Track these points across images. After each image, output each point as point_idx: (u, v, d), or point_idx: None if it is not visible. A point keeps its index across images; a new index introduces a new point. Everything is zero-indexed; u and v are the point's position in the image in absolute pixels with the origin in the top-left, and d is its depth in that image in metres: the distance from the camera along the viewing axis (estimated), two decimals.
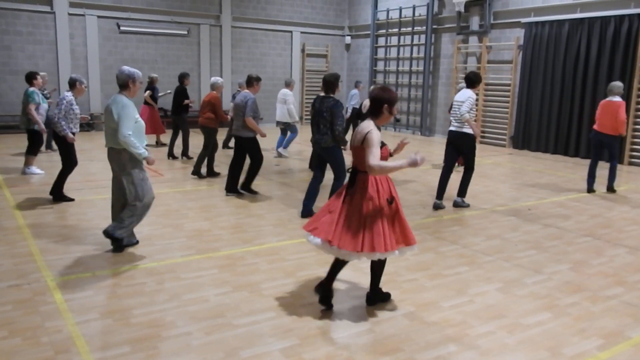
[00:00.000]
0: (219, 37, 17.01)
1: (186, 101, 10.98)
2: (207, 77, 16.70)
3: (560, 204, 7.84)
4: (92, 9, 14.88)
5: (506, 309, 4.20)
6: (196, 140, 12.19)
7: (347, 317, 3.99)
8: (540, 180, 9.72)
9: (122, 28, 15.35)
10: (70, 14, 14.60)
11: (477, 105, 7.23)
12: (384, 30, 17.77)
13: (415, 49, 16.77)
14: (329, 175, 6.91)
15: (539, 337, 3.75)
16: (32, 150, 8.92)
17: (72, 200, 7.25)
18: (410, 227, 4.01)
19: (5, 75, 14.05)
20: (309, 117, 12.20)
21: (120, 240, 5.22)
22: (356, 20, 19.20)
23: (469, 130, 7.12)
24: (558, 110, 12.89)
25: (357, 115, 10.10)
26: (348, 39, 19.47)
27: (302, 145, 12.37)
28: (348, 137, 6.76)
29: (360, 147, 3.88)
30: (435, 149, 13.63)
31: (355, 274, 4.84)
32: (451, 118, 7.37)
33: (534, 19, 13.22)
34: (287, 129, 11.51)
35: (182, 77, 11.28)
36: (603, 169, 9.12)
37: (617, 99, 8.28)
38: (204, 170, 9.24)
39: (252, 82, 7.80)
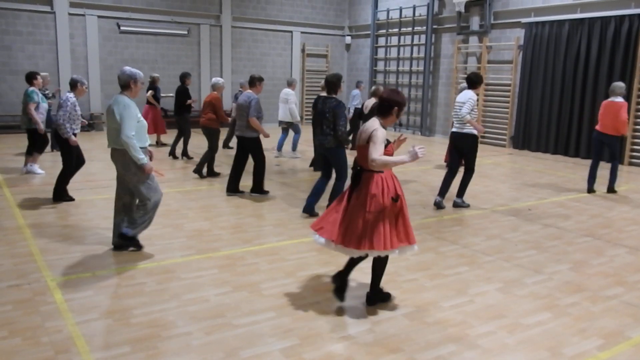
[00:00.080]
0: (219, 37, 17.01)
1: (189, 101, 11.00)
2: (207, 77, 16.70)
3: (561, 204, 7.84)
4: (92, 9, 14.88)
5: (506, 309, 4.20)
6: (196, 141, 12.21)
7: (347, 317, 3.99)
8: (541, 180, 9.72)
9: (122, 28, 15.35)
10: (70, 14, 14.60)
11: (477, 105, 7.22)
12: (384, 30, 17.77)
13: (415, 49, 16.77)
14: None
15: (539, 337, 3.75)
16: (33, 149, 8.93)
17: (73, 200, 7.26)
18: (411, 227, 4.03)
19: (6, 75, 14.05)
20: (309, 116, 12.26)
21: (133, 239, 5.28)
22: (356, 20, 19.20)
23: (470, 131, 7.14)
24: (558, 111, 12.89)
25: (359, 116, 10.08)
26: (348, 39, 19.47)
27: (303, 145, 12.37)
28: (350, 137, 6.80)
29: (366, 146, 3.92)
30: (436, 149, 13.63)
31: (356, 274, 4.84)
32: (453, 119, 7.38)
33: (534, 19, 13.22)
34: (290, 129, 11.52)
35: (184, 77, 11.28)
36: (604, 169, 9.11)
37: (619, 99, 8.27)
38: (205, 170, 9.25)
39: (254, 82, 7.81)
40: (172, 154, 11.10)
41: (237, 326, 3.80)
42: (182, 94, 11.15)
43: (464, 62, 15.32)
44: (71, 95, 7.03)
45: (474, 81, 7.18)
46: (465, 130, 7.17)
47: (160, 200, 5.28)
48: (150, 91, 12.09)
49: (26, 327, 3.69)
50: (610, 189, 8.64)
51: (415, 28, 16.59)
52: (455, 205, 7.46)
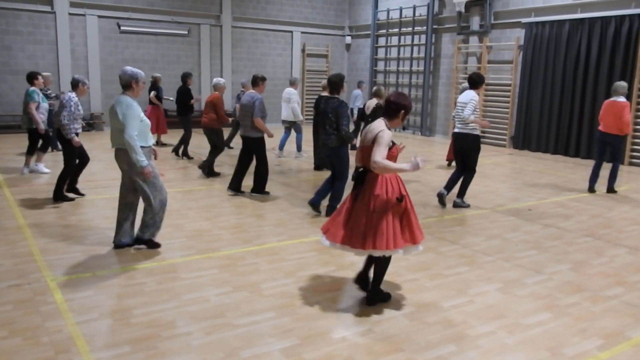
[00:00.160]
0: (219, 37, 17.01)
1: (193, 100, 11.04)
2: (207, 77, 16.71)
3: (561, 204, 7.84)
4: (93, 8, 14.88)
5: (506, 309, 4.20)
6: (197, 141, 12.21)
7: (347, 317, 3.99)
8: (541, 180, 9.72)
9: (122, 28, 15.35)
10: (70, 14, 14.60)
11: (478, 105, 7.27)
12: (384, 30, 17.77)
13: (415, 49, 16.77)
14: None
15: (539, 337, 3.75)
16: (34, 149, 8.93)
17: (72, 200, 7.27)
18: (419, 226, 4.06)
19: (6, 75, 14.05)
20: (310, 116, 12.25)
21: (150, 241, 5.32)
22: (356, 20, 19.20)
23: (472, 131, 7.14)
24: (558, 111, 12.88)
25: (361, 116, 10.06)
26: (348, 39, 19.47)
27: (304, 145, 12.34)
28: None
29: (371, 147, 3.96)
30: (436, 149, 13.63)
31: (355, 274, 4.84)
32: (455, 120, 7.38)
33: (535, 19, 13.21)
34: (292, 128, 11.52)
35: (185, 77, 11.28)
36: (605, 169, 9.10)
37: (622, 99, 8.24)
38: (219, 169, 9.28)
39: (257, 81, 7.81)
40: (177, 152, 11.13)
41: (237, 326, 3.80)
42: (184, 94, 11.15)
43: (464, 62, 15.32)
44: (73, 94, 7.07)
45: (475, 81, 7.19)
46: (467, 131, 7.17)
47: (166, 199, 5.30)
48: (153, 92, 12.07)
49: (26, 327, 3.69)
50: (610, 189, 8.63)
51: (416, 28, 16.59)
52: (456, 205, 7.46)
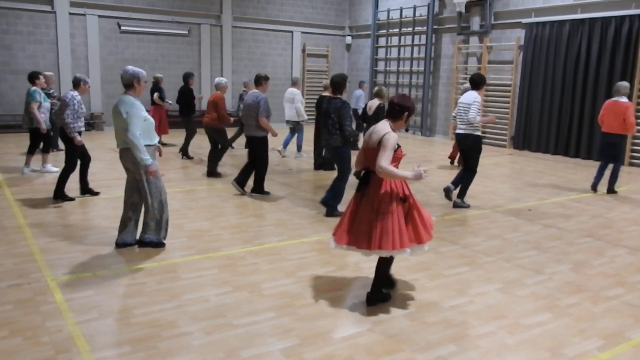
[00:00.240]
0: (219, 37, 17.01)
1: (196, 99, 11.10)
2: (207, 77, 16.71)
3: (561, 205, 7.83)
4: (93, 8, 14.88)
5: (507, 310, 4.20)
6: (197, 141, 12.20)
7: (347, 317, 3.99)
8: (541, 180, 9.72)
9: (122, 28, 15.35)
10: (71, 14, 14.60)
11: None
12: (384, 31, 17.77)
13: (415, 49, 16.76)
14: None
15: (539, 338, 3.75)
16: (35, 149, 8.93)
17: (73, 199, 7.27)
18: (425, 225, 4.08)
19: (6, 74, 14.05)
20: (310, 116, 12.24)
21: (155, 242, 5.32)
22: (357, 20, 19.20)
23: (473, 132, 7.15)
24: (558, 111, 12.88)
25: (363, 117, 10.05)
26: (349, 39, 19.47)
27: (304, 145, 12.34)
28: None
29: (375, 149, 3.97)
30: (436, 149, 13.64)
31: (355, 274, 4.85)
32: (457, 121, 7.37)
33: (535, 19, 13.21)
34: (295, 128, 11.53)
35: (187, 77, 11.27)
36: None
37: (624, 99, 8.20)
38: (220, 169, 9.30)
39: (261, 81, 7.82)
40: (185, 153, 11.09)
41: (237, 326, 3.80)
42: (186, 94, 11.14)
43: (465, 63, 15.31)
44: (75, 93, 7.09)
45: (477, 82, 7.19)
46: (468, 131, 7.18)
47: (166, 200, 5.32)
48: (156, 93, 12.03)
49: (26, 327, 3.69)
50: (610, 190, 8.62)
51: (416, 28, 16.59)
52: (456, 205, 7.46)
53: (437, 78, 16.29)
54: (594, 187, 8.64)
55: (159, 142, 12.54)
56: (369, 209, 3.98)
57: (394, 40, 17.55)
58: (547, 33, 12.94)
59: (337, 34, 19.41)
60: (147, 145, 5.03)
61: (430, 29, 15.91)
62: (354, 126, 6.73)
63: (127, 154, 5.10)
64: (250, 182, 7.96)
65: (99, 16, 14.98)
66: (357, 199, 4.13)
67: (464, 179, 7.41)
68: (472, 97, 7.09)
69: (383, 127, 4.05)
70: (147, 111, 5.33)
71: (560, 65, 12.72)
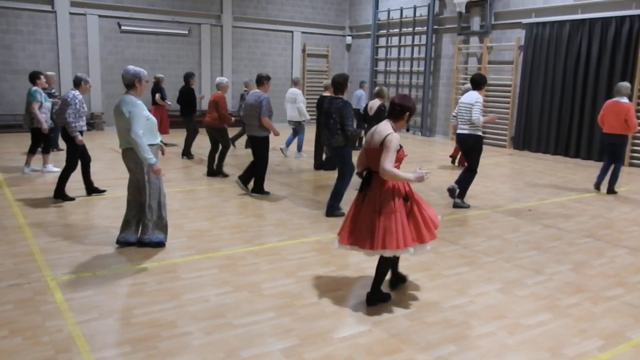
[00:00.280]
0: (219, 37, 17.01)
1: (198, 99, 11.13)
2: (208, 77, 16.71)
3: (561, 205, 7.83)
4: (93, 8, 14.88)
5: (507, 310, 4.20)
6: (198, 141, 12.19)
7: (347, 317, 3.99)
8: (541, 180, 9.72)
9: (123, 27, 15.35)
10: (71, 13, 14.60)
11: None
12: (384, 31, 17.77)
13: (416, 49, 16.76)
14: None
15: (539, 338, 3.75)
16: (36, 149, 8.94)
17: (73, 199, 7.26)
18: (428, 225, 4.08)
19: (6, 74, 14.05)
20: (311, 116, 12.25)
21: (155, 243, 5.33)
22: (357, 20, 19.20)
23: (474, 132, 7.15)
24: (559, 111, 12.88)
25: (364, 117, 10.04)
26: (349, 39, 19.47)
27: (304, 145, 12.34)
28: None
29: (378, 150, 3.97)
30: (436, 149, 13.64)
31: (356, 274, 4.85)
32: (457, 121, 7.37)
33: (535, 19, 13.21)
34: (297, 128, 11.54)
35: (188, 77, 11.26)
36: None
37: (625, 100, 8.19)
38: (226, 169, 9.33)
39: (262, 80, 7.83)
40: (188, 154, 11.09)
41: (237, 326, 3.80)
42: (187, 93, 11.13)
43: (465, 63, 15.31)
44: (77, 92, 7.10)
45: (478, 82, 7.19)
46: (469, 131, 7.18)
47: (164, 200, 5.33)
48: (157, 94, 12.02)
49: (26, 327, 3.69)
50: (611, 190, 8.62)
51: (416, 28, 16.59)
52: (456, 205, 7.46)
53: (437, 78, 16.29)
54: (597, 186, 8.64)
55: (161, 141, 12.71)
56: (371, 209, 3.98)
57: (394, 40, 17.54)
58: (547, 33, 12.94)
59: (337, 34, 19.42)
60: (150, 145, 5.03)
61: (430, 29, 15.91)
62: (355, 126, 6.72)
63: (130, 154, 5.11)
64: (250, 182, 7.96)
65: (99, 16, 14.98)
66: (360, 200, 4.14)
67: (465, 180, 7.41)
68: (473, 98, 7.08)
69: (385, 127, 4.06)
70: (149, 111, 5.33)
71: (561, 66, 12.72)
